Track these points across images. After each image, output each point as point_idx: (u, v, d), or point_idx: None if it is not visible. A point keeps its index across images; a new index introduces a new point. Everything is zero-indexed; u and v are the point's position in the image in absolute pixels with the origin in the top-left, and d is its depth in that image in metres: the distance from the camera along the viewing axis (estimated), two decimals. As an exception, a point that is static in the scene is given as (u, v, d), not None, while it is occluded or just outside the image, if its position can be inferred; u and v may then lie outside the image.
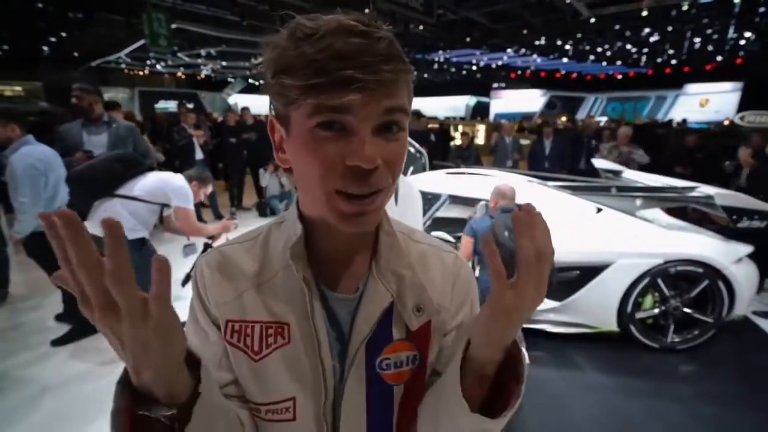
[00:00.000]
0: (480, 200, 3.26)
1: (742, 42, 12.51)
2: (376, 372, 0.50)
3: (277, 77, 0.40)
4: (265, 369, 0.49)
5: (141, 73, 17.37)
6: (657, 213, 3.14)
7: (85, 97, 2.92)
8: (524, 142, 7.30)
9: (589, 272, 2.67)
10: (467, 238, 2.36)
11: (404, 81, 0.42)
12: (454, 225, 4.43)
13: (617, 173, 3.78)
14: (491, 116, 21.12)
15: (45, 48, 11.04)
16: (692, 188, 3.04)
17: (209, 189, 2.68)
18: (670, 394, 2.36)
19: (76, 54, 11.35)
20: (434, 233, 4.18)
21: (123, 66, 15.73)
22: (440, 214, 4.75)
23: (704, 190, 3.00)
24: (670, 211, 3.27)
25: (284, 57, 0.40)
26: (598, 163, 4.05)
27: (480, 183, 3.28)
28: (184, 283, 2.23)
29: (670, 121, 13.35)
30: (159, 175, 2.38)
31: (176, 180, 2.39)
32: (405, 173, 4.23)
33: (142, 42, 8.53)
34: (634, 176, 3.67)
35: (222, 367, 0.51)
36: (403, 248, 0.54)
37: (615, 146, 5.01)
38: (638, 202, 2.91)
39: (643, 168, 4.56)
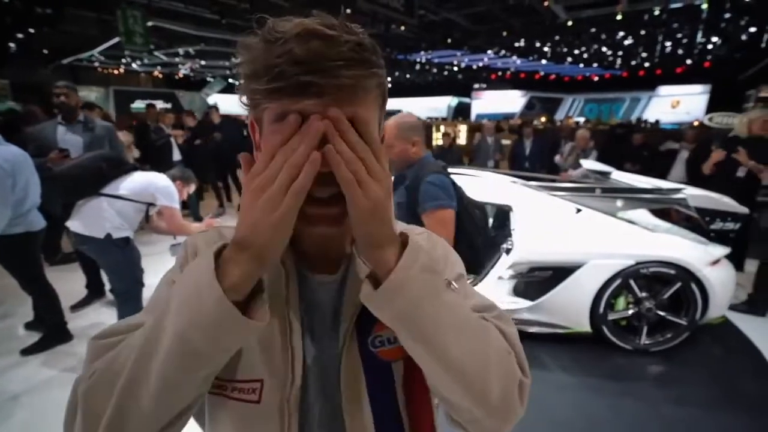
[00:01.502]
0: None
1: (710, 46, 13.06)
2: (370, 350, 0.50)
3: (246, 81, 0.42)
4: None
5: (116, 71, 16.83)
6: (643, 214, 3.14)
7: (73, 95, 2.90)
8: (505, 142, 7.42)
9: (562, 272, 2.67)
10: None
11: (371, 86, 0.42)
12: None
13: (606, 174, 3.78)
14: (472, 116, 21.37)
15: (11, 45, 10.57)
16: (677, 190, 3.03)
17: (192, 188, 2.70)
18: (636, 395, 2.36)
19: (45, 51, 10.93)
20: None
21: (96, 64, 15.20)
22: None
23: (690, 191, 2.97)
24: (658, 213, 3.25)
25: (253, 61, 0.40)
26: (587, 164, 4.05)
27: (469, 183, 3.30)
28: None
29: (630, 122, 13.94)
30: (144, 175, 2.39)
31: (161, 180, 2.40)
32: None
33: (116, 40, 8.26)
34: (623, 178, 3.66)
35: None
36: None
37: (574, 147, 5.28)
38: (619, 203, 2.93)
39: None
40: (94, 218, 2.27)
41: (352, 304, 0.50)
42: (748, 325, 3.12)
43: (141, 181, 2.35)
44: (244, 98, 0.44)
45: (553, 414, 2.18)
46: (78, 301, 3.20)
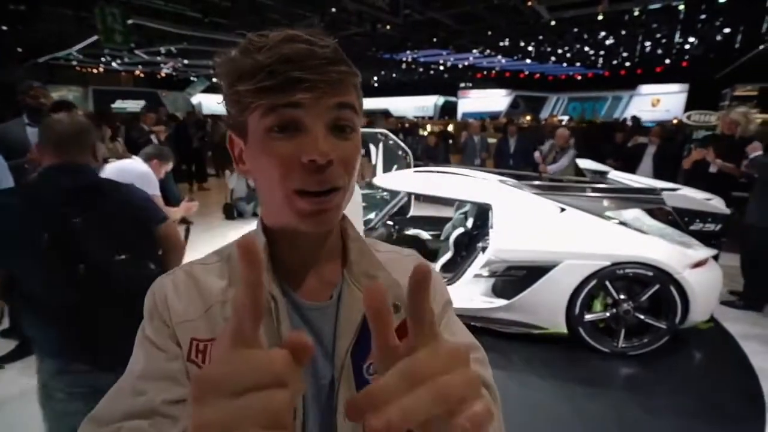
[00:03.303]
0: (450, 198, 3.26)
1: (687, 46, 13.43)
2: (365, 378, 0.50)
3: (233, 86, 0.43)
4: None
5: (95, 70, 16.40)
6: (638, 215, 3.10)
7: (48, 95, 2.84)
8: (492, 140, 7.50)
9: (536, 272, 2.61)
10: None
11: (351, 83, 0.45)
12: (430, 224, 4.49)
13: (603, 173, 3.73)
14: (459, 115, 21.51)
15: (-16, 43, 10.21)
16: (656, 190, 2.99)
17: (170, 165, 2.60)
18: (603, 399, 2.32)
19: (20, 49, 10.58)
20: (410, 231, 4.23)
21: (74, 63, 14.78)
22: (415, 212, 4.78)
23: (685, 192, 2.93)
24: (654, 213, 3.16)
25: (238, 67, 0.42)
26: (584, 164, 4.02)
27: (450, 181, 3.32)
28: None
29: (608, 121, 14.20)
30: (117, 165, 2.29)
31: (137, 166, 2.29)
32: (390, 171, 4.23)
33: (95, 38, 8.05)
34: (619, 177, 3.60)
35: (182, 384, 0.47)
36: (372, 252, 0.55)
37: (553, 145, 5.40)
38: (605, 203, 2.91)
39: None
40: None
41: (347, 332, 0.49)
42: (740, 330, 3.06)
43: (115, 171, 2.18)
44: (229, 106, 0.45)
45: (512, 414, 2.10)
46: None
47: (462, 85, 23.17)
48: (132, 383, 0.46)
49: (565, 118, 16.66)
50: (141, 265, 1.27)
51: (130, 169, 2.26)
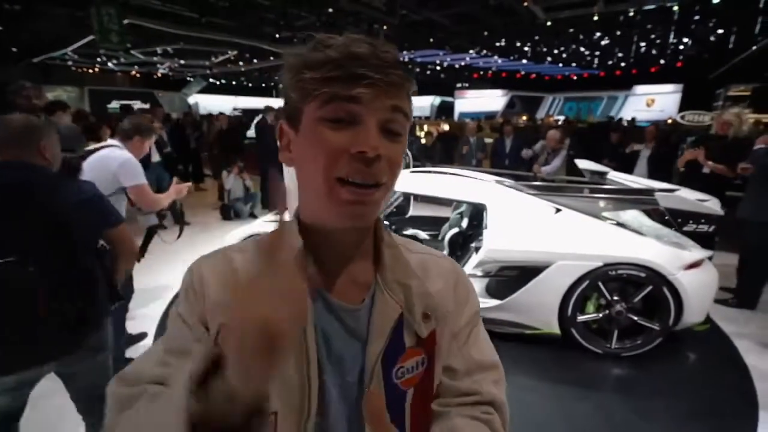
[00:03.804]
0: (444, 198, 3.24)
1: (681, 47, 13.54)
2: (393, 382, 0.51)
3: (299, 74, 0.46)
4: None
5: (91, 70, 16.33)
6: (636, 215, 3.07)
7: (42, 95, 2.82)
8: (488, 140, 7.52)
9: (529, 272, 2.60)
10: None
11: (406, 89, 0.47)
12: (428, 224, 4.50)
13: (602, 174, 3.70)
14: (455, 116, 21.57)
15: (-22, 42, 10.14)
16: (651, 191, 2.97)
17: (153, 138, 2.42)
18: (592, 400, 2.29)
19: (14, 49, 10.51)
20: (408, 231, 4.24)
21: (70, 63, 14.71)
22: (414, 212, 4.79)
23: (683, 193, 2.91)
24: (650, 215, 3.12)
25: (306, 58, 0.46)
26: (583, 164, 3.99)
27: (446, 181, 3.33)
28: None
29: (603, 121, 14.30)
30: (97, 156, 2.06)
31: (117, 155, 2.07)
32: None
33: (91, 38, 8.02)
34: (618, 178, 3.56)
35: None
36: (406, 259, 0.56)
37: (544, 146, 5.43)
38: (601, 204, 2.90)
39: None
40: None
41: (379, 339, 0.50)
42: (734, 329, 3.03)
43: (96, 166, 2.01)
44: (292, 92, 0.47)
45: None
46: None
47: (459, 85, 23.23)
48: (159, 354, 0.51)
49: (561, 117, 16.74)
50: (26, 271, 1.19)
51: (110, 159, 2.06)
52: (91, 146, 2.24)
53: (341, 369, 0.51)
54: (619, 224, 2.81)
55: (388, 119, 0.45)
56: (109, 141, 2.28)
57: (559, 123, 12.30)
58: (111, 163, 2.05)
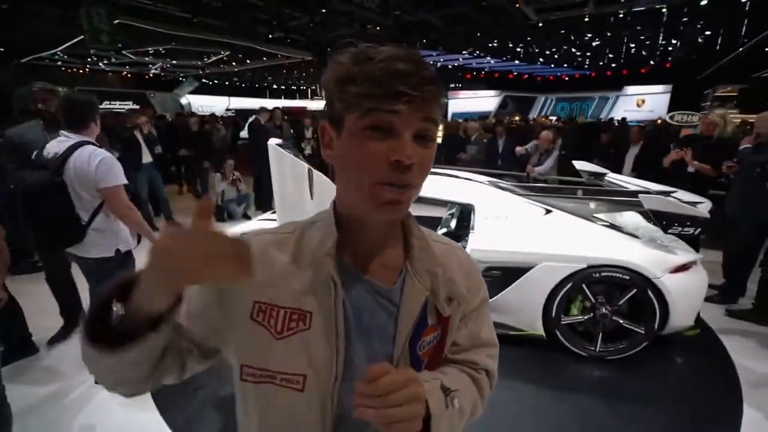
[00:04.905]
0: (434, 199, 3.25)
1: (670, 48, 13.74)
2: (417, 355, 0.60)
3: (341, 86, 0.51)
4: (284, 346, 0.56)
5: (81, 71, 16.15)
6: (633, 217, 3.01)
7: (54, 96, 2.80)
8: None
9: (514, 273, 2.59)
10: None
11: (437, 100, 0.53)
12: (425, 224, 4.50)
13: (600, 175, 3.66)
14: (449, 116, 21.67)
15: (-35, 42, 9.99)
16: (635, 193, 2.91)
17: (98, 119, 2.19)
18: (569, 401, 2.28)
19: (2, 49, 10.37)
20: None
21: (60, 63, 14.54)
22: (414, 212, 4.78)
23: (680, 195, 2.88)
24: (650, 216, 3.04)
25: (349, 71, 0.50)
26: (581, 165, 3.97)
27: (436, 182, 3.33)
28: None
29: (594, 121, 14.46)
30: (74, 158, 1.93)
31: (87, 153, 1.92)
32: None
33: (81, 38, 7.93)
34: (617, 179, 3.52)
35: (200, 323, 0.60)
36: (432, 249, 0.64)
37: (536, 146, 5.49)
38: (591, 205, 2.89)
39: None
40: (99, 235, 2.03)
41: (408, 322, 0.58)
42: (723, 326, 3.02)
43: (79, 165, 1.91)
44: (336, 101, 0.52)
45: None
46: (54, 335, 2.80)
47: (452, 85, 23.33)
48: (187, 312, 0.57)
49: (553, 117, 16.89)
50: None
51: (83, 163, 1.92)
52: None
53: (369, 340, 0.58)
54: (612, 226, 2.80)
55: (421, 129, 0.51)
56: (61, 133, 2.07)
57: (553, 123, 12.41)
58: (86, 162, 1.94)
